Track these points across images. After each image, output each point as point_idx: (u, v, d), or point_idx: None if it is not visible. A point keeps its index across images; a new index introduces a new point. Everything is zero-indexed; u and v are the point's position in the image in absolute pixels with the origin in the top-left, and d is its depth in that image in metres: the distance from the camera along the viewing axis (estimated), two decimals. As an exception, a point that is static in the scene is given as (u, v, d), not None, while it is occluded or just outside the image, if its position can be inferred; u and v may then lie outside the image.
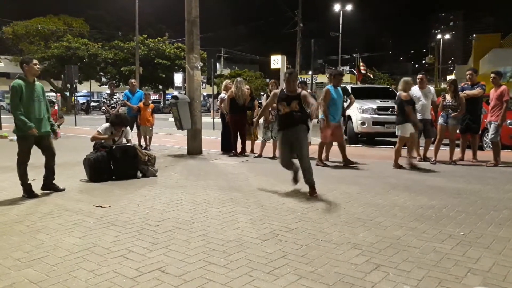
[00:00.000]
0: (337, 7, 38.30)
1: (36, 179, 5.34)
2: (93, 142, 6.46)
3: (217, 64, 41.01)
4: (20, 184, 5.07)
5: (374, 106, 11.12)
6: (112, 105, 10.15)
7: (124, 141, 6.58)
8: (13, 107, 4.85)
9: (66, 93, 39.18)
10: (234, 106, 8.51)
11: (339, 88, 7.40)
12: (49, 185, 5.30)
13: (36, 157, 5.23)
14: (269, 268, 2.89)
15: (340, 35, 40.67)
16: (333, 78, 7.40)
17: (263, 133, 8.50)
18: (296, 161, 5.32)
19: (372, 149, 10.35)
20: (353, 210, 4.38)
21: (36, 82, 5.09)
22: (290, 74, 5.26)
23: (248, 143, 9.10)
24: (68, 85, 35.03)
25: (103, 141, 6.36)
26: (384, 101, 11.59)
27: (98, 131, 6.54)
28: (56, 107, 19.22)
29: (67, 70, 19.44)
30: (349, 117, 11.23)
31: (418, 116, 7.72)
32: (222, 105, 9.21)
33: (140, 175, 6.31)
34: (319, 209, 4.45)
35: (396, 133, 7.24)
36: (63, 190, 5.33)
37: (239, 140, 8.83)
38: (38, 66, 5.07)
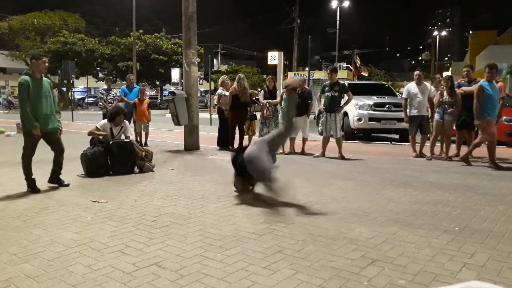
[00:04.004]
0: (334, 3, 38.23)
1: (33, 176, 5.31)
2: (90, 138, 6.46)
3: (215, 60, 40.92)
4: (24, 178, 5.08)
5: (371, 102, 11.15)
6: (109, 100, 10.13)
7: (123, 137, 6.57)
8: (20, 103, 4.89)
9: (63, 88, 39.02)
10: (236, 102, 8.50)
11: (494, 82, 6.96)
12: (55, 179, 5.32)
13: (38, 152, 5.20)
14: (265, 262, 2.91)
15: (337, 31, 40.63)
16: (488, 72, 6.92)
17: (260, 129, 8.50)
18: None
19: (368, 145, 10.39)
20: (349, 205, 4.41)
21: (44, 78, 5.09)
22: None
23: (245, 138, 9.10)
24: (65, 81, 34.88)
25: (100, 136, 6.36)
26: (381, 98, 11.62)
27: (96, 126, 6.54)
28: None
29: (63, 66, 19.34)
30: (346, 113, 11.26)
31: (414, 112, 7.77)
32: (220, 101, 9.20)
33: (137, 170, 6.31)
34: (315, 204, 4.46)
35: None
36: (67, 185, 5.34)
37: (236, 136, 8.82)
38: (47, 64, 5.05)
